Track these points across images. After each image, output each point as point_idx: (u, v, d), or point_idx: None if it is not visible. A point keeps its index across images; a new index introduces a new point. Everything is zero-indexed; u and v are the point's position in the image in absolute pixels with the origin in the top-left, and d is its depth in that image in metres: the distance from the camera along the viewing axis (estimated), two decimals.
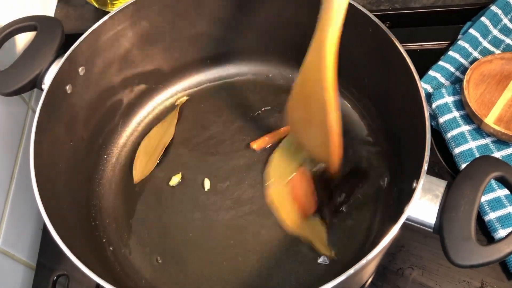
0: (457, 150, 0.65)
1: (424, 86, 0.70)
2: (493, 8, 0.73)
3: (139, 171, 0.67)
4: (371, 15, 0.57)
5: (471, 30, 0.72)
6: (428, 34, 0.76)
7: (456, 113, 0.67)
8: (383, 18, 0.59)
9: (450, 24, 0.76)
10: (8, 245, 0.66)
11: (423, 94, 0.51)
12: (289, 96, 0.59)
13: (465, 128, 0.66)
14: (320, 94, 0.52)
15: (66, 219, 0.56)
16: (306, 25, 0.65)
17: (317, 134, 0.58)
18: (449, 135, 0.66)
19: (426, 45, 0.76)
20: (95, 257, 0.58)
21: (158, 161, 0.67)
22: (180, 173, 0.67)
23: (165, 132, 0.69)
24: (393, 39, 0.55)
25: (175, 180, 0.66)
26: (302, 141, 0.63)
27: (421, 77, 0.68)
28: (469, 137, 0.65)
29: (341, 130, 0.55)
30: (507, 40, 0.73)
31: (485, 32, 0.72)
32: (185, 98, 0.72)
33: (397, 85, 0.57)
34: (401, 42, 0.55)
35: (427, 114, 0.50)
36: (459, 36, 0.74)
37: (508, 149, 0.65)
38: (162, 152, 0.68)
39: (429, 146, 0.48)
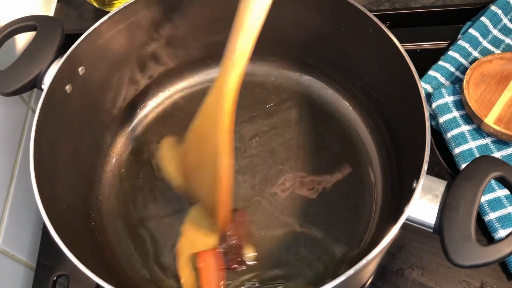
0: (457, 150, 0.65)
1: (424, 86, 0.70)
2: (493, 8, 0.73)
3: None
4: (371, 15, 0.57)
5: (471, 30, 0.72)
6: (428, 34, 0.76)
7: (456, 113, 0.67)
8: (383, 18, 0.59)
9: (450, 24, 0.76)
10: (8, 245, 0.66)
11: (423, 94, 0.51)
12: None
13: (465, 128, 0.66)
14: (215, 139, 0.51)
15: (66, 219, 0.56)
16: (307, 26, 0.66)
17: (206, 182, 0.54)
18: (449, 135, 0.66)
19: (426, 45, 0.76)
20: (95, 257, 0.58)
21: None
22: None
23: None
24: (393, 39, 0.55)
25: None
26: (191, 189, 0.59)
27: (421, 77, 0.68)
28: (469, 137, 0.65)
29: (230, 187, 0.52)
30: (507, 40, 0.73)
31: (485, 32, 0.72)
32: None
33: (397, 85, 0.57)
34: (401, 42, 0.55)
35: (427, 114, 0.50)
36: (459, 36, 0.74)
37: (508, 149, 0.65)
38: None
39: (429, 146, 0.48)
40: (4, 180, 0.67)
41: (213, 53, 0.72)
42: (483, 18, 0.72)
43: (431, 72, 0.71)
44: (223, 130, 0.50)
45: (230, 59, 0.49)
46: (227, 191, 0.53)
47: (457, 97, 0.67)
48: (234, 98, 0.50)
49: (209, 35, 0.70)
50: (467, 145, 0.65)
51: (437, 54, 0.73)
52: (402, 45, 0.54)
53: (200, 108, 0.52)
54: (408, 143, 0.56)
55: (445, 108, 0.67)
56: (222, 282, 0.58)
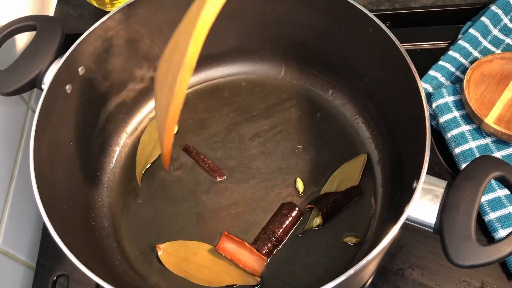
0: (457, 150, 0.65)
1: (424, 86, 0.70)
2: (493, 8, 0.73)
3: (141, 165, 0.68)
4: (371, 15, 0.57)
5: (471, 30, 0.72)
6: (428, 34, 0.76)
7: (456, 113, 0.67)
8: (383, 18, 0.59)
9: (450, 24, 0.76)
10: (8, 245, 0.66)
11: (423, 94, 0.51)
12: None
13: (465, 128, 0.66)
14: (185, 47, 0.46)
15: (66, 219, 0.56)
16: (307, 25, 0.66)
17: (164, 96, 0.49)
18: (449, 135, 0.66)
19: (426, 45, 0.76)
20: (95, 257, 0.58)
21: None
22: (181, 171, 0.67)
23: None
24: (393, 39, 0.55)
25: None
26: (156, 108, 0.54)
27: (421, 77, 0.68)
28: (469, 137, 0.65)
29: (178, 114, 0.47)
30: (507, 40, 0.72)
31: (485, 32, 0.72)
32: None
33: (397, 85, 0.57)
34: (401, 42, 0.55)
35: (427, 114, 0.50)
36: (459, 36, 0.74)
37: (508, 149, 0.65)
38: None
39: (429, 146, 0.48)
40: (4, 180, 0.67)
41: (213, 52, 0.72)
42: (483, 18, 0.72)
43: (431, 72, 0.71)
44: (197, 37, 0.46)
45: None
46: (176, 109, 0.48)
47: (457, 97, 0.67)
48: (208, 27, 0.46)
49: (212, 34, 0.70)
50: (467, 145, 0.65)
51: (437, 54, 0.73)
52: (402, 45, 0.54)
53: (183, 17, 0.49)
54: (408, 143, 0.56)
55: (445, 108, 0.67)
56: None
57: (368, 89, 0.66)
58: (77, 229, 0.58)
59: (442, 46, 0.75)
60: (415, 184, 0.48)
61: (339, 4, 0.58)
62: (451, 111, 0.67)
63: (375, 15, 0.57)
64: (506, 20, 0.73)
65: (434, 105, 0.68)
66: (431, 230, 0.47)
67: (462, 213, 0.45)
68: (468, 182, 0.46)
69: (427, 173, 0.47)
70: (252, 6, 0.66)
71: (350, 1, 0.58)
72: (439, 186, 0.48)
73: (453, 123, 0.66)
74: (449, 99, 0.67)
